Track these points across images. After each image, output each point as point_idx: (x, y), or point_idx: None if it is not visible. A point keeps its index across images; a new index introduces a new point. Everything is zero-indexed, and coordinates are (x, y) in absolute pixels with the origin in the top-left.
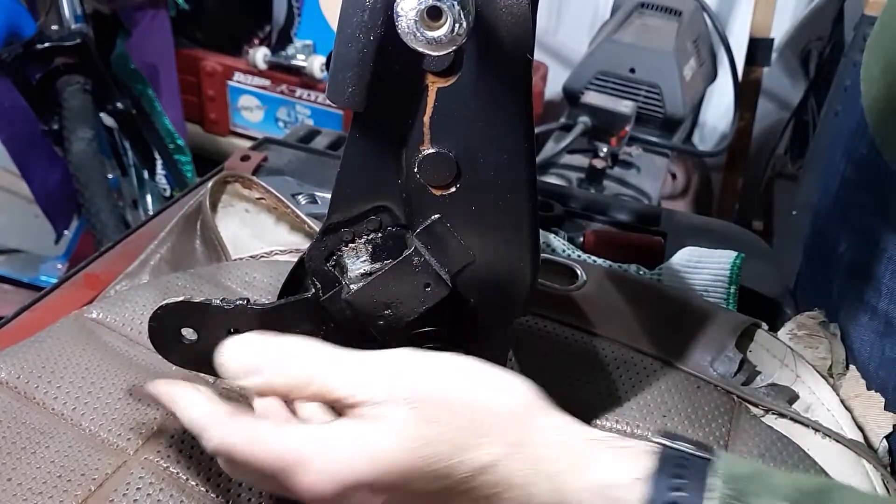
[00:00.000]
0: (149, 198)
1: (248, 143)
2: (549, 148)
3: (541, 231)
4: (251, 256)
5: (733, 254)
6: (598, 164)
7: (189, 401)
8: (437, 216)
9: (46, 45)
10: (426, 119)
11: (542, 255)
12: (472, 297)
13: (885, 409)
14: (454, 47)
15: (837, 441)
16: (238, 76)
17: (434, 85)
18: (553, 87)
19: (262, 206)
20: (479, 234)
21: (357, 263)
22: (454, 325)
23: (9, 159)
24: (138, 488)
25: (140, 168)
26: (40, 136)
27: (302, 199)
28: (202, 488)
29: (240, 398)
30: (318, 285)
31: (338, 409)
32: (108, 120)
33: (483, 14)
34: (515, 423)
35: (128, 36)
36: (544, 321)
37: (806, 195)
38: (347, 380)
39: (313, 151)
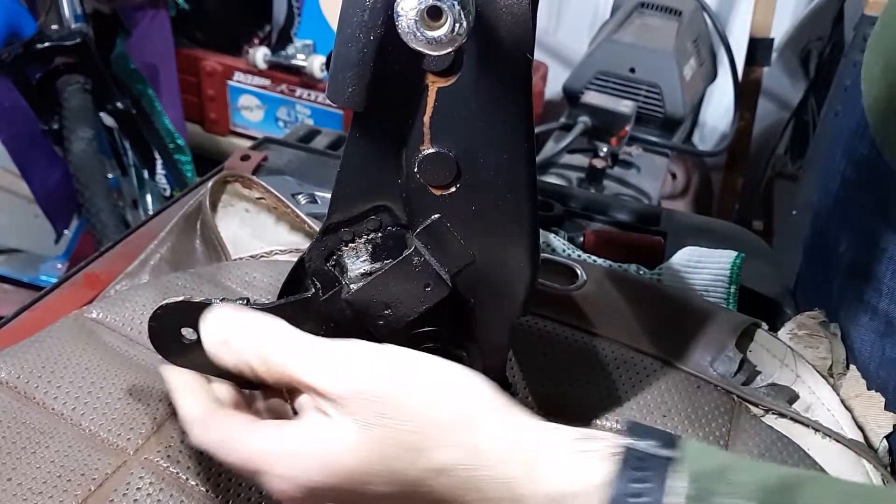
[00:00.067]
0: (149, 198)
1: (248, 143)
2: (549, 148)
3: (541, 231)
4: (251, 256)
5: (733, 254)
6: (598, 163)
7: (180, 395)
8: (437, 216)
9: (46, 44)
10: (426, 119)
11: (542, 255)
12: (472, 297)
13: (885, 409)
14: (454, 47)
15: (837, 441)
16: (238, 76)
17: (434, 85)
18: (553, 86)
19: (262, 206)
20: (480, 234)
21: (357, 263)
22: (454, 325)
23: (9, 159)
24: (138, 488)
25: (140, 168)
26: (40, 136)
27: (302, 199)
28: (202, 488)
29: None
30: (318, 285)
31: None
32: (108, 120)
33: (483, 14)
34: (473, 425)
35: (128, 36)
36: (544, 321)
37: (806, 195)
38: (308, 367)
39: (313, 151)
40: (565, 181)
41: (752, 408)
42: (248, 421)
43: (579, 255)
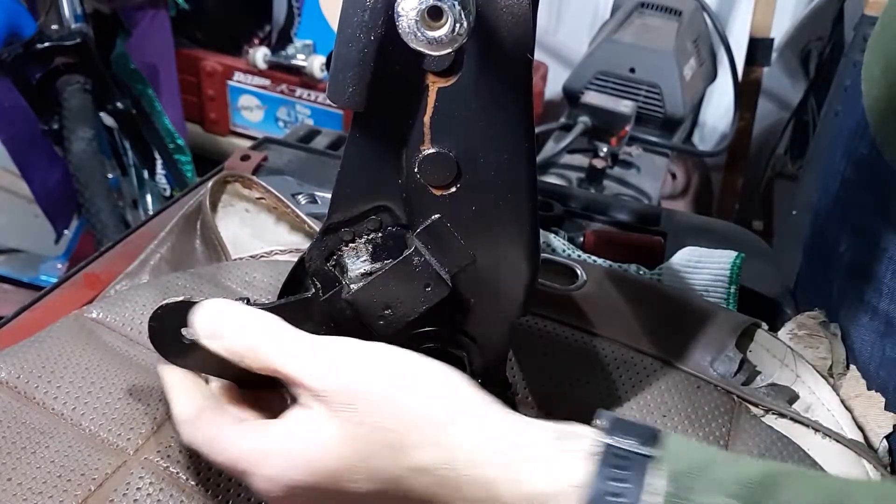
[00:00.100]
0: (149, 198)
1: (248, 143)
2: (549, 148)
3: (541, 231)
4: (251, 256)
5: (733, 254)
6: (598, 163)
7: (174, 394)
8: (437, 216)
9: (46, 44)
10: (426, 119)
11: (542, 255)
12: (472, 297)
13: (885, 409)
14: (455, 47)
15: (837, 441)
16: (238, 76)
17: (434, 85)
18: (553, 87)
19: (262, 206)
20: (480, 235)
21: (357, 263)
22: (454, 325)
23: (9, 159)
24: (138, 488)
25: (140, 168)
26: (40, 136)
27: (302, 199)
28: (202, 488)
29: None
30: (319, 285)
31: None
32: (108, 120)
33: (484, 14)
34: (452, 424)
35: (128, 36)
36: (544, 321)
37: (806, 195)
38: (294, 360)
39: (313, 151)
40: (565, 181)
41: (752, 408)
42: (235, 421)
43: (579, 255)
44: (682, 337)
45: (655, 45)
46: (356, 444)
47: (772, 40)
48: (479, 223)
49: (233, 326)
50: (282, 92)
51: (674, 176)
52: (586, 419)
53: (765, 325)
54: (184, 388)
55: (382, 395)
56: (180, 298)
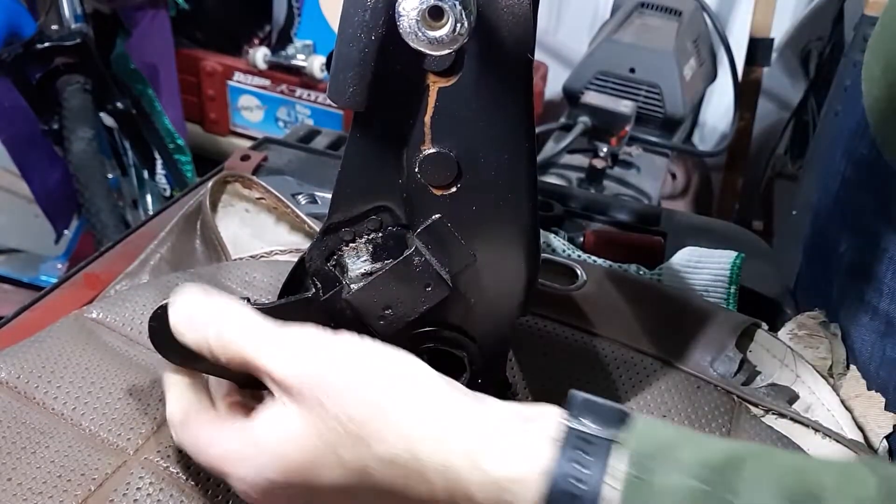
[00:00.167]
0: (149, 198)
1: (248, 143)
2: (549, 148)
3: (541, 231)
4: (251, 256)
5: (733, 254)
6: (598, 164)
7: (168, 395)
8: (437, 216)
9: (46, 44)
10: (427, 119)
11: (542, 255)
12: (472, 297)
13: (885, 409)
14: (455, 47)
15: (837, 441)
16: (238, 76)
17: (435, 85)
18: (553, 87)
19: (262, 206)
20: (480, 234)
21: (357, 263)
22: (454, 325)
23: (9, 159)
24: (138, 488)
25: (140, 168)
26: (40, 136)
27: (302, 199)
28: (202, 488)
29: None
30: (319, 285)
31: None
32: (108, 120)
33: (484, 14)
34: (415, 414)
35: (128, 36)
36: (544, 321)
37: (806, 195)
38: (261, 349)
39: (313, 151)
40: (565, 181)
41: (752, 408)
42: (218, 422)
43: (579, 255)
44: (682, 337)
45: (655, 45)
46: (323, 436)
47: (772, 40)
48: (479, 223)
49: (202, 317)
50: (282, 92)
51: (674, 176)
52: None
53: (765, 325)
54: (178, 389)
55: (345, 386)
56: None
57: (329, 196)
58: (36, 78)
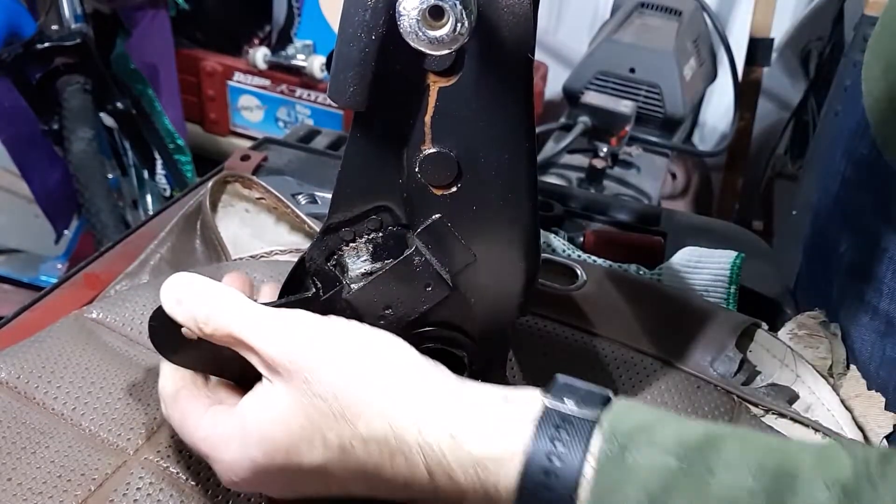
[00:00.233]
0: (149, 198)
1: (248, 143)
2: (549, 148)
3: (541, 231)
4: (251, 256)
5: (733, 254)
6: (598, 164)
7: (164, 368)
8: (437, 216)
9: (46, 45)
10: (427, 119)
11: (542, 254)
12: (472, 296)
13: (885, 409)
14: (456, 47)
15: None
16: (238, 76)
17: (435, 84)
18: (553, 87)
19: (262, 206)
20: (480, 234)
21: (358, 263)
22: (454, 324)
23: (9, 159)
24: (138, 488)
25: (140, 168)
26: (40, 136)
27: (302, 199)
28: (202, 488)
29: None
30: (319, 285)
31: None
32: (108, 120)
33: (485, 14)
34: (397, 393)
35: (128, 36)
36: (544, 321)
37: (806, 195)
38: (249, 328)
39: (313, 151)
40: (565, 181)
41: (752, 408)
42: (206, 401)
43: (579, 255)
44: (682, 337)
45: (655, 45)
46: (308, 414)
47: (772, 40)
48: (479, 223)
49: (194, 294)
50: (282, 92)
51: (674, 176)
52: None
53: (765, 325)
54: (171, 367)
55: (331, 365)
56: None
57: (329, 196)
58: (36, 78)
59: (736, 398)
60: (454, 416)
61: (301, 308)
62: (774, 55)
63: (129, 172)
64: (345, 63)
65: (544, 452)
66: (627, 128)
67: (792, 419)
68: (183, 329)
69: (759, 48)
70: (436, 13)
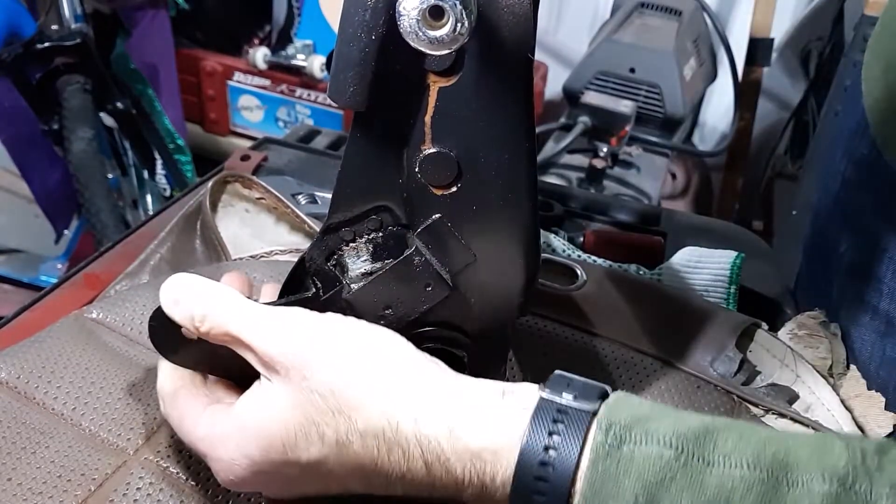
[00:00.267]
0: (149, 198)
1: (248, 143)
2: (549, 148)
3: (541, 231)
4: (251, 256)
5: (733, 254)
6: (598, 164)
7: (162, 366)
8: (438, 216)
9: (46, 44)
10: (427, 119)
11: (542, 254)
12: (472, 296)
13: (885, 409)
14: (456, 47)
15: None
16: (238, 76)
17: (435, 84)
18: (553, 87)
19: (262, 206)
20: (480, 234)
21: (358, 263)
22: (454, 324)
23: (9, 159)
24: (138, 488)
25: (140, 168)
26: (40, 136)
27: (302, 199)
28: (202, 488)
29: None
30: (319, 285)
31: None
32: (108, 120)
33: (485, 14)
34: (394, 387)
35: (128, 36)
36: (544, 321)
37: (806, 195)
38: (246, 327)
39: (313, 151)
40: (565, 181)
41: (752, 408)
42: (204, 400)
43: (579, 255)
44: (682, 337)
45: (655, 45)
46: (305, 411)
47: (772, 40)
48: (479, 223)
49: (191, 295)
50: (282, 92)
51: (674, 176)
52: None
53: (765, 325)
54: (170, 365)
55: (328, 360)
56: None
57: (329, 196)
58: (36, 78)
59: (736, 398)
60: (452, 410)
61: (301, 308)
62: (774, 55)
63: (129, 172)
64: (345, 63)
65: (541, 444)
66: (627, 128)
67: (792, 419)
68: (182, 329)
69: (759, 48)
70: (436, 13)
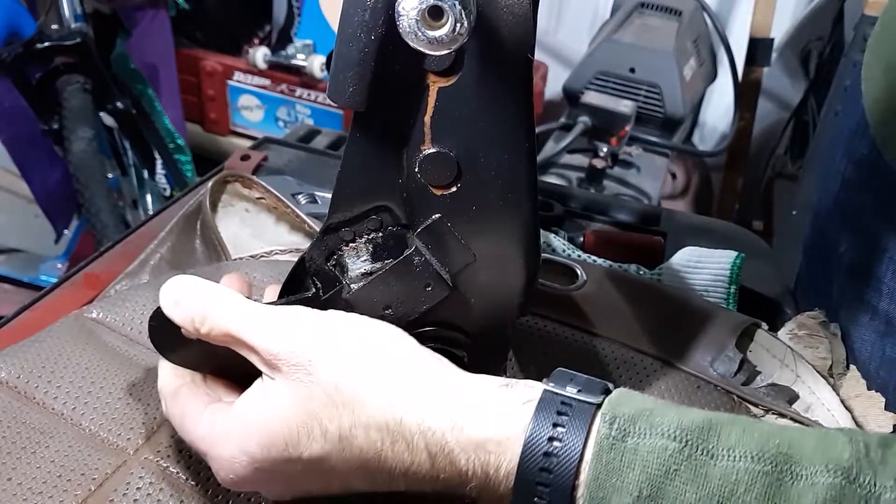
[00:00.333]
0: (149, 198)
1: (248, 143)
2: (549, 148)
3: (541, 231)
4: (251, 256)
5: (733, 254)
6: (598, 163)
7: (163, 365)
8: (437, 216)
9: (46, 44)
10: (427, 119)
11: (542, 254)
12: (472, 296)
13: (885, 409)
14: (455, 47)
15: None
16: (238, 76)
17: (435, 84)
18: (553, 87)
19: (262, 206)
20: (480, 234)
21: (358, 263)
22: (454, 324)
23: (9, 159)
24: (138, 488)
25: (140, 168)
26: (40, 136)
27: (302, 199)
28: (202, 488)
29: None
30: (319, 285)
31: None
32: (108, 120)
33: (484, 14)
34: (397, 380)
35: (128, 36)
36: (544, 321)
37: (806, 195)
38: (247, 326)
39: (313, 151)
40: (565, 181)
41: (752, 408)
42: (205, 398)
43: (579, 255)
44: (682, 337)
45: (655, 45)
46: (307, 407)
47: (772, 40)
48: (479, 223)
49: (191, 296)
50: (282, 92)
51: (674, 176)
52: None
53: (765, 325)
54: (172, 364)
55: (332, 356)
56: None
57: (329, 196)
58: (36, 78)
59: (736, 398)
60: (455, 402)
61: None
62: (774, 55)
63: (129, 172)
64: (344, 63)
65: (545, 436)
66: (627, 128)
67: (792, 419)
68: (182, 329)
69: (759, 48)
70: (435, 13)
